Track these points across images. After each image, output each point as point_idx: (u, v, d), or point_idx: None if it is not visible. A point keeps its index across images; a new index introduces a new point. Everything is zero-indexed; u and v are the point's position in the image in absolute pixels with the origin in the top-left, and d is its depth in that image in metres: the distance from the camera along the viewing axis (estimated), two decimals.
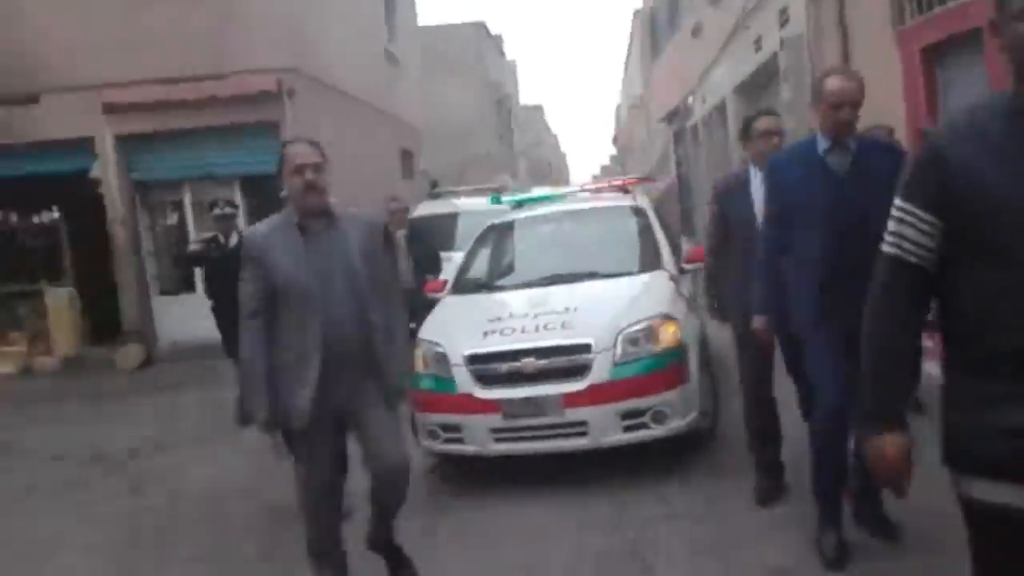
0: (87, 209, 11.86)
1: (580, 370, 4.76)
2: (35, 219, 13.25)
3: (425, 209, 12.04)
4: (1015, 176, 1.64)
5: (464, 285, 6.25)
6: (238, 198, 11.12)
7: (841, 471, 3.54)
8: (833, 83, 3.38)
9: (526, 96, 72.53)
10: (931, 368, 2.43)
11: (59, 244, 12.89)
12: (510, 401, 4.77)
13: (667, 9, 20.73)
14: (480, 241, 6.77)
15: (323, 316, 3.30)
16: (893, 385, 1.86)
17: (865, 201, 3.18)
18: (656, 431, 4.74)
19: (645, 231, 6.14)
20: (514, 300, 5.54)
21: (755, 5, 11.34)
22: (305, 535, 3.57)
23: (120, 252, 11.73)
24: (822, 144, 3.45)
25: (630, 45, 35.77)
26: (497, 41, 37.61)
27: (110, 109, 11.20)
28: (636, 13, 30.73)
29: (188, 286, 10.96)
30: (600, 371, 4.73)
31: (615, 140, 53.76)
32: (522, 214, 7.03)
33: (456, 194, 12.36)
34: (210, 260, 7.19)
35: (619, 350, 4.78)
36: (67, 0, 11.19)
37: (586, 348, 4.77)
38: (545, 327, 4.94)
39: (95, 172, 11.54)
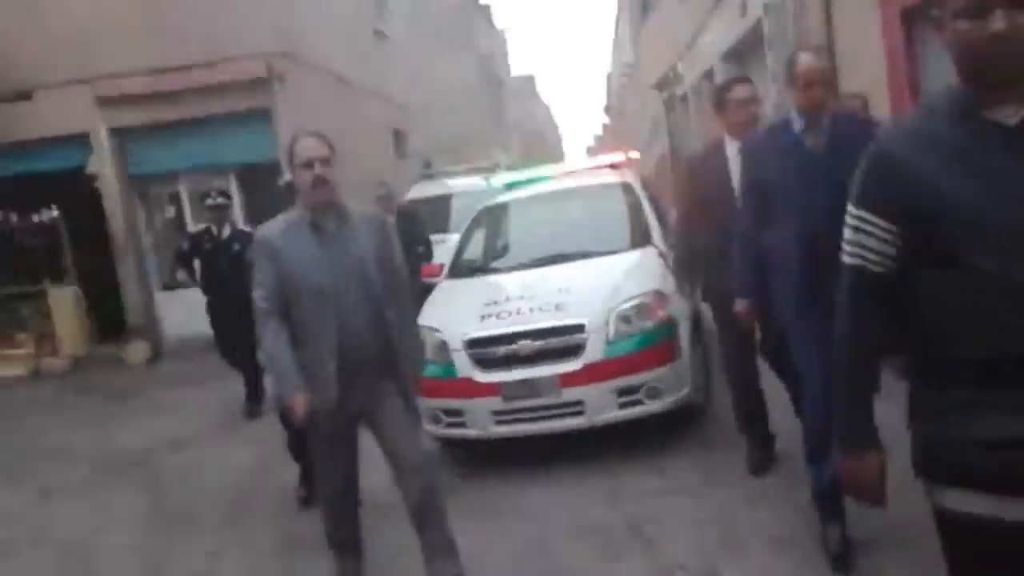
0: (85, 206, 11.83)
1: (575, 350, 4.87)
2: (34, 218, 13.12)
3: (418, 191, 12.13)
4: (967, 180, 1.58)
5: (460, 268, 6.38)
6: (233, 188, 11.14)
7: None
8: (803, 63, 3.38)
9: (517, 67, 72.00)
10: None
11: (59, 243, 12.80)
12: (509, 384, 4.88)
13: None
14: (474, 223, 6.90)
15: (338, 323, 3.26)
16: (865, 407, 1.84)
17: (843, 177, 3.20)
18: (651, 407, 4.87)
19: (634, 208, 6.22)
20: (509, 282, 5.65)
21: None
22: (324, 527, 3.69)
23: (120, 248, 11.76)
24: (797, 124, 3.44)
25: (619, 9, 35.47)
26: (485, 11, 37.31)
27: (104, 102, 11.17)
28: None
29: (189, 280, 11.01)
30: (594, 350, 4.85)
31: (607, 109, 53.43)
32: (514, 195, 7.15)
33: (449, 174, 12.41)
34: (203, 253, 7.23)
35: (612, 329, 4.89)
36: None
37: (580, 328, 4.88)
38: (540, 309, 5.05)
39: (92, 167, 11.54)
